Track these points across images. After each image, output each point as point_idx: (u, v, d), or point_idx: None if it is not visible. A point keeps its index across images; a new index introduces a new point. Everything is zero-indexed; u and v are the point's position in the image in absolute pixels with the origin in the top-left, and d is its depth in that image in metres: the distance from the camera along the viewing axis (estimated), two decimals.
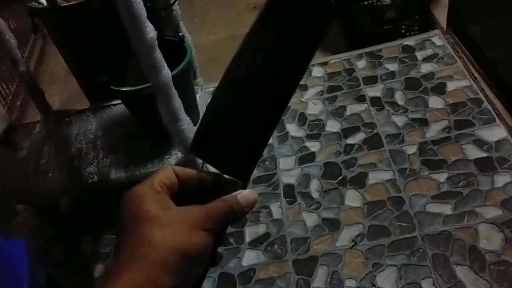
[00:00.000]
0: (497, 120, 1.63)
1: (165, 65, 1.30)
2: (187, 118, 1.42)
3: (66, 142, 1.72)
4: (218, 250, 0.45)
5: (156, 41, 1.25)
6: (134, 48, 1.26)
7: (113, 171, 1.57)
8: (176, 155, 1.54)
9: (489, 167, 1.50)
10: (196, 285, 0.43)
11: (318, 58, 2.24)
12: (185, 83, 1.52)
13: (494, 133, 1.59)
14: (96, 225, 1.71)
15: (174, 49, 1.58)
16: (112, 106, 1.81)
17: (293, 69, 0.45)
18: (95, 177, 1.58)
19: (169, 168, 0.44)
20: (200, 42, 2.68)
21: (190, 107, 1.56)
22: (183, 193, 0.44)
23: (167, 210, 0.41)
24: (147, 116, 1.56)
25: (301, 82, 2.03)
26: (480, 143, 1.58)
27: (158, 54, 1.28)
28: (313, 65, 2.12)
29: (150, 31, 1.23)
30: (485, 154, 1.54)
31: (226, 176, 0.45)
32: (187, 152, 1.47)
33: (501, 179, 1.46)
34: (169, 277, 0.38)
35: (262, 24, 0.45)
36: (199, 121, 0.46)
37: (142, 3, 1.19)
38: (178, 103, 1.38)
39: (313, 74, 2.08)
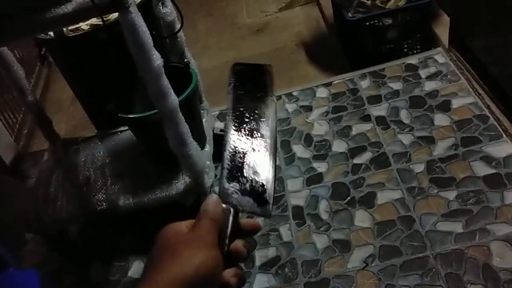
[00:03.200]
0: (504, 136, 1.62)
1: (172, 91, 1.32)
2: (194, 143, 1.43)
3: (74, 169, 1.73)
4: None
5: (163, 69, 1.27)
6: (141, 76, 1.27)
7: (122, 197, 1.57)
8: (184, 179, 1.55)
9: (498, 183, 1.50)
10: None
11: (320, 79, 2.26)
12: (191, 108, 1.53)
13: (502, 149, 1.59)
14: (105, 253, 1.71)
15: (180, 75, 1.60)
16: (119, 133, 1.82)
17: None
18: (104, 204, 1.58)
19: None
20: (204, 66, 2.71)
21: (197, 132, 1.57)
22: None
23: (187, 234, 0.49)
24: (155, 142, 1.57)
25: (306, 103, 2.05)
26: (488, 159, 1.57)
27: (165, 81, 1.29)
28: (317, 86, 2.13)
29: (157, 59, 1.24)
30: (493, 171, 1.53)
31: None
32: (195, 177, 1.48)
33: (511, 196, 1.45)
34: None
35: None
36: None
37: (148, 32, 1.21)
38: (185, 128, 1.39)
39: (318, 95, 2.09)
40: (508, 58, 1.58)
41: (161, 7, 1.58)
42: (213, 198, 0.51)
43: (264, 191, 0.53)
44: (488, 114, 1.71)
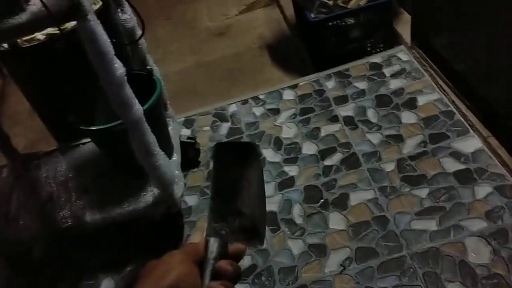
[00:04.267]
0: (471, 131, 1.64)
1: (136, 101, 1.26)
2: (162, 152, 1.38)
3: (35, 186, 1.64)
4: None
5: (125, 78, 1.22)
6: (103, 86, 1.21)
7: (88, 213, 1.50)
8: (152, 191, 1.49)
9: (468, 179, 1.51)
10: None
11: (286, 81, 2.24)
12: (156, 117, 1.48)
13: (470, 144, 1.61)
14: (73, 272, 1.63)
15: (143, 83, 1.55)
16: (81, 145, 1.74)
17: None
18: (69, 221, 1.51)
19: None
20: (166, 72, 2.64)
21: (164, 141, 1.52)
22: None
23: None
24: (120, 153, 1.51)
25: (273, 106, 2.02)
26: (457, 155, 1.59)
27: (128, 90, 1.24)
28: (283, 89, 2.11)
29: (119, 67, 1.19)
30: (463, 166, 1.55)
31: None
32: (163, 188, 1.42)
33: (482, 190, 1.47)
34: None
35: None
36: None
37: (108, 40, 1.16)
38: (151, 138, 1.33)
39: (284, 97, 2.07)
40: (470, 53, 1.60)
41: (120, 14, 1.52)
42: (197, 234, 0.55)
43: (254, 227, 0.54)
44: (454, 109, 1.73)
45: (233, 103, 2.12)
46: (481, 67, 1.55)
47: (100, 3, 1.59)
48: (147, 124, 1.31)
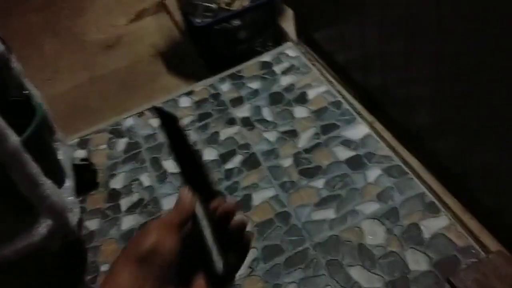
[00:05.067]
0: (358, 118, 1.72)
1: (10, 131, 1.19)
2: (49, 182, 1.31)
3: None
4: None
5: None
6: None
7: None
8: (45, 222, 1.41)
9: (359, 164, 1.58)
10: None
11: (182, 87, 2.22)
12: (39, 145, 1.40)
13: (358, 131, 1.68)
14: None
15: (23, 110, 1.46)
16: None
17: None
18: None
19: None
20: (57, 91, 2.53)
21: (51, 168, 1.45)
22: None
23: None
24: (4, 188, 1.41)
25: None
26: (347, 143, 1.66)
27: (0, 122, 1.16)
28: (179, 96, 2.09)
29: None
30: (353, 153, 1.62)
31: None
32: (56, 218, 1.35)
33: (372, 174, 1.54)
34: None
35: None
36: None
37: None
38: (34, 168, 1.26)
39: (181, 104, 2.05)
40: (345, 44, 1.67)
41: None
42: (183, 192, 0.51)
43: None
44: (341, 99, 1.80)
45: (129, 116, 2.07)
46: (354, 56, 1.62)
47: None
48: (27, 155, 1.24)
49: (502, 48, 0.97)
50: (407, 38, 1.28)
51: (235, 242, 0.51)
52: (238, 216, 0.51)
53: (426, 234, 1.35)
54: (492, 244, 1.24)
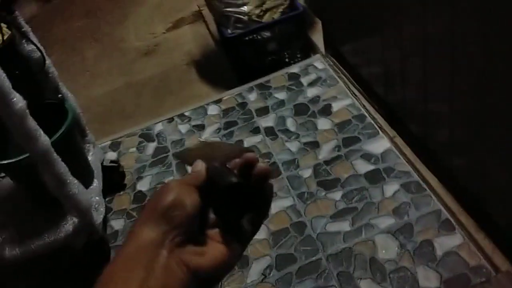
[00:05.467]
0: (380, 132, 1.73)
1: (41, 132, 1.27)
2: (75, 181, 1.39)
3: None
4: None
5: (27, 110, 1.22)
6: (4, 120, 1.21)
7: (7, 248, 1.48)
8: (72, 220, 1.49)
9: (378, 178, 1.59)
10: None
11: (212, 96, 2.29)
12: (69, 146, 1.49)
13: (379, 145, 1.69)
14: None
15: (57, 112, 1.55)
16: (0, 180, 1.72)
17: None
18: None
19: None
20: (94, 95, 2.65)
21: (80, 169, 1.53)
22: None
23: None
24: (35, 185, 1.50)
25: (198, 122, 2.06)
26: (367, 156, 1.67)
27: (32, 123, 1.24)
28: (208, 104, 2.15)
29: (18, 101, 1.19)
30: (373, 167, 1.63)
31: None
32: (81, 216, 1.43)
33: (390, 189, 1.55)
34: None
35: None
36: None
37: (4, 75, 1.16)
38: (62, 168, 1.34)
39: (209, 112, 2.11)
40: (369, 59, 1.69)
41: (26, 45, 1.52)
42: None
43: None
44: (365, 113, 1.81)
45: (159, 122, 2.14)
46: (377, 71, 1.64)
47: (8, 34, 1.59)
48: (56, 155, 1.32)
49: None
50: (426, 55, 1.29)
51: (257, 194, 0.49)
52: (260, 165, 0.48)
53: (439, 252, 1.34)
54: (503, 264, 1.23)
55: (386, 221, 1.46)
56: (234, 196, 0.47)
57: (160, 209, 0.45)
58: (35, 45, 1.46)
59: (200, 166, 0.49)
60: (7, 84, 1.17)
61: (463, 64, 1.15)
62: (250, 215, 0.48)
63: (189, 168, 0.51)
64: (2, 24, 1.47)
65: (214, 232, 0.47)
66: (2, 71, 1.16)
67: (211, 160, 0.50)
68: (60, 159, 1.34)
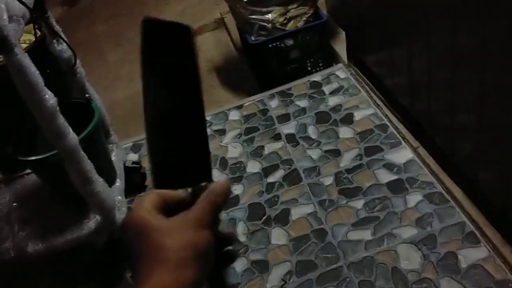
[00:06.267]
0: (403, 142, 1.73)
1: (70, 130, 1.28)
2: (100, 179, 1.40)
3: None
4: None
5: (58, 107, 1.24)
6: (35, 117, 1.23)
7: (30, 243, 1.49)
8: (95, 218, 1.50)
9: (400, 188, 1.58)
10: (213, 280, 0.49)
11: (233, 101, 2.30)
12: (95, 145, 1.50)
13: (402, 155, 1.69)
14: None
15: (83, 111, 1.57)
16: (25, 176, 1.74)
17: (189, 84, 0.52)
18: (12, 252, 1.50)
19: (153, 192, 0.49)
20: (116, 97, 2.67)
21: (104, 168, 1.54)
22: (167, 210, 0.48)
23: (165, 220, 0.47)
24: (60, 182, 1.51)
25: (219, 127, 2.07)
26: (390, 166, 1.66)
27: (61, 120, 1.26)
28: (229, 109, 2.16)
29: (50, 98, 1.21)
30: (395, 177, 1.62)
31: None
32: (104, 214, 1.44)
33: (412, 199, 1.54)
34: (189, 272, 0.44)
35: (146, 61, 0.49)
36: (151, 163, 0.50)
37: (37, 72, 1.18)
38: (88, 165, 1.35)
39: (230, 118, 2.12)
40: (393, 69, 1.69)
41: (56, 45, 1.55)
42: (222, 182, 0.50)
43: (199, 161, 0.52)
44: (387, 123, 1.81)
45: None
46: (402, 81, 1.64)
47: (39, 34, 1.61)
48: (83, 152, 1.33)
49: None
50: (454, 66, 1.29)
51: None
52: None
53: (463, 264, 1.33)
54: None
55: (409, 231, 1.45)
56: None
57: (200, 252, 0.46)
58: (68, 44, 1.48)
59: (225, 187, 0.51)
60: (40, 81, 1.19)
61: (493, 78, 1.14)
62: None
63: None
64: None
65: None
66: (35, 68, 1.18)
67: None
68: (86, 157, 1.35)
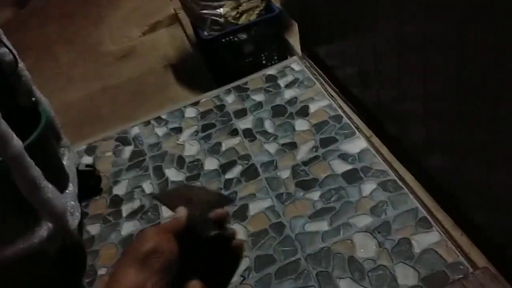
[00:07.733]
0: (357, 132, 1.74)
1: (14, 136, 1.24)
2: (50, 186, 1.36)
3: None
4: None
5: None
6: None
7: None
8: (47, 225, 1.46)
9: (355, 178, 1.60)
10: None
11: (189, 99, 2.27)
12: (43, 150, 1.46)
13: (356, 145, 1.70)
14: None
15: (31, 116, 1.52)
16: None
17: None
18: None
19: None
20: (70, 99, 2.61)
21: (55, 173, 1.50)
22: None
23: None
24: (8, 190, 1.46)
25: (175, 125, 2.04)
26: (345, 156, 1.68)
27: (4, 125, 1.22)
28: (185, 107, 2.14)
29: None
30: (350, 167, 1.64)
31: None
32: (56, 221, 1.40)
33: (367, 188, 1.56)
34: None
35: None
36: None
37: None
38: (36, 172, 1.31)
39: (186, 115, 2.09)
40: (344, 60, 1.70)
41: None
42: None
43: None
44: (342, 114, 1.83)
45: (135, 125, 2.12)
46: (353, 72, 1.65)
47: None
48: (29, 159, 1.29)
49: (491, 62, 0.99)
50: (400, 55, 1.30)
51: (231, 250, 0.54)
52: (235, 242, 0.55)
53: (417, 249, 1.36)
54: (481, 261, 1.25)
55: (364, 220, 1.47)
56: (211, 247, 0.53)
57: (141, 254, 0.48)
58: (7, 47, 1.43)
59: (182, 213, 0.53)
60: None
61: (437, 65, 1.16)
62: (223, 266, 0.54)
63: (163, 209, 0.56)
64: None
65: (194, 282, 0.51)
66: None
67: (192, 206, 0.53)
68: (33, 163, 1.31)
